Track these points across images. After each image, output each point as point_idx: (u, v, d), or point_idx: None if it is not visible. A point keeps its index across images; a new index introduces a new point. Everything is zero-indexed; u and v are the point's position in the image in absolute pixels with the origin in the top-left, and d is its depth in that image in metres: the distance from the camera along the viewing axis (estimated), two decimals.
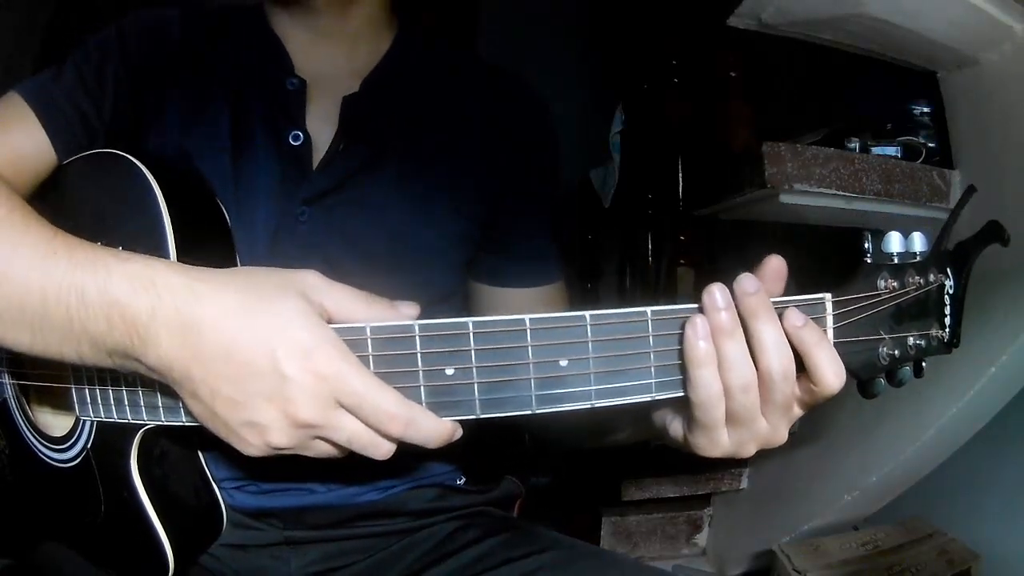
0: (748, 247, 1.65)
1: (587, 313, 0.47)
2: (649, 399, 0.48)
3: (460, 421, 0.50)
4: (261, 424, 0.48)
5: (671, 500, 1.68)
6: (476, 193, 0.78)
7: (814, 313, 0.48)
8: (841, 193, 1.27)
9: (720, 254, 1.79)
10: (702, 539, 1.72)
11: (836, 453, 1.42)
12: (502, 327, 0.47)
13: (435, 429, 0.49)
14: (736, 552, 1.61)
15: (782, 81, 1.69)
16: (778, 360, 0.48)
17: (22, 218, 0.54)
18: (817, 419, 1.45)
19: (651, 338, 0.47)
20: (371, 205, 0.73)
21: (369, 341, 0.48)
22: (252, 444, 0.49)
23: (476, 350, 0.47)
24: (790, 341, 0.48)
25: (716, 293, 0.47)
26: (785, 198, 1.27)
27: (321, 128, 0.73)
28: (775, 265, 0.50)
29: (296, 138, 0.72)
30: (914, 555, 1.19)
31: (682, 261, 1.81)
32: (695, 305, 0.48)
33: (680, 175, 1.77)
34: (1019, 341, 1.09)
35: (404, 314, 0.52)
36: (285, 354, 0.46)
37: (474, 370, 0.47)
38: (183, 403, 0.51)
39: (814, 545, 1.25)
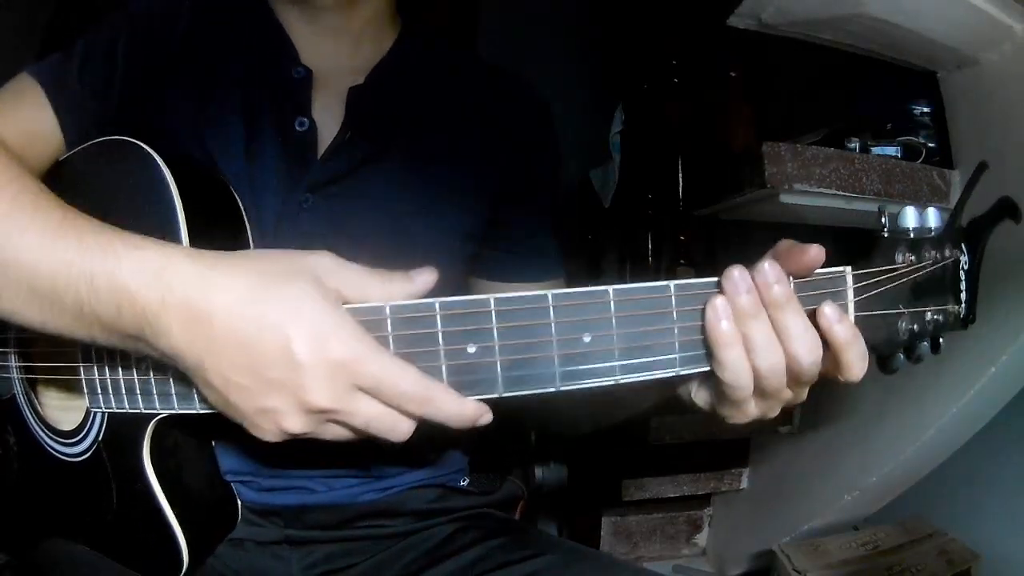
0: (748, 247, 1.65)
1: (610, 288, 0.46)
2: (673, 374, 0.47)
3: (483, 400, 0.49)
4: (274, 410, 0.47)
5: (671, 500, 1.68)
6: (477, 192, 0.78)
7: (834, 287, 0.48)
8: (841, 193, 1.27)
9: (720, 254, 1.78)
10: (702, 539, 1.72)
11: (836, 453, 1.42)
12: (524, 304, 0.46)
13: (456, 407, 0.48)
14: (736, 552, 1.61)
15: (782, 81, 1.69)
16: (804, 348, 0.47)
17: (32, 200, 0.53)
18: (817, 419, 1.45)
19: (675, 312, 0.46)
20: (373, 198, 0.73)
21: (389, 321, 0.47)
22: (267, 430, 0.49)
23: (498, 327, 0.46)
24: (822, 336, 0.47)
25: (736, 278, 0.46)
26: (785, 198, 1.27)
27: (327, 118, 0.73)
28: (814, 255, 0.47)
29: (302, 124, 0.72)
30: (914, 555, 1.19)
31: (682, 261, 1.80)
32: (716, 279, 0.47)
33: (680, 175, 1.76)
34: (1019, 341, 1.10)
35: (421, 282, 0.51)
36: (297, 341, 0.45)
37: (496, 347, 0.46)
38: (197, 390, 0.51)
39: (814, 545, 1.25)
